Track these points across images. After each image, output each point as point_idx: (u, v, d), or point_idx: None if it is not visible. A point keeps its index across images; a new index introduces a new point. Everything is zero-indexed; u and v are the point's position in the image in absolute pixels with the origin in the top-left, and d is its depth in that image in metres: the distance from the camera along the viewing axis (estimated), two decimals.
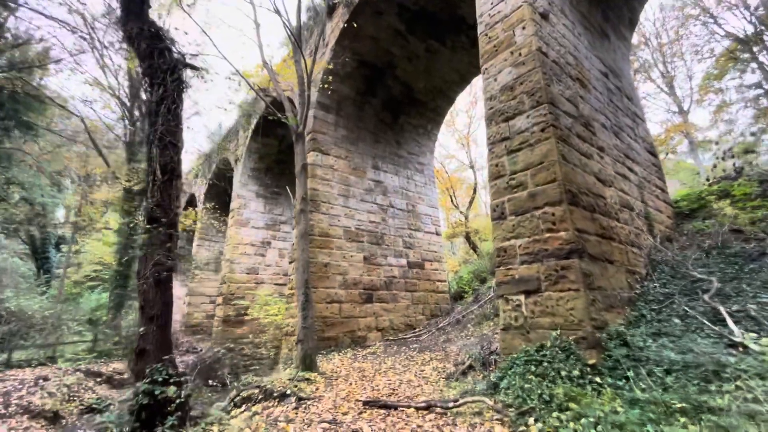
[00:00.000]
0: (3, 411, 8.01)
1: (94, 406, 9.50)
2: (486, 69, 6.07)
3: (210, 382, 10.83)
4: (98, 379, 10.74)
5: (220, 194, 19.65)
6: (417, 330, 10.94)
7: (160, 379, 3.43)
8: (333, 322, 9.61)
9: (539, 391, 3.71)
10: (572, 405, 3.47)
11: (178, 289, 23.95)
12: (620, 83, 8.12)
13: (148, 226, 3.92)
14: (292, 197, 7.66)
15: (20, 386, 8.83)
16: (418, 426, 3.66)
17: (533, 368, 4.14)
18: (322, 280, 9.73)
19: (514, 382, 4.09)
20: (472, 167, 20.59)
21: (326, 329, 9.43)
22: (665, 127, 19.57)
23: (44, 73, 16.05)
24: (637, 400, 3.29)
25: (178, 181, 4.16)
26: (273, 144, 15.94)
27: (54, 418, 8.75)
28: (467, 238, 19.33)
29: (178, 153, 4.26)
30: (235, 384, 8.86)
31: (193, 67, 5.22)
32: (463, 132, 20.97)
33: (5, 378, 9.17)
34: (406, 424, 3.73)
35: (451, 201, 20.61)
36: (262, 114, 14.68)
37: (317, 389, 5.59)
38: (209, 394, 11.56)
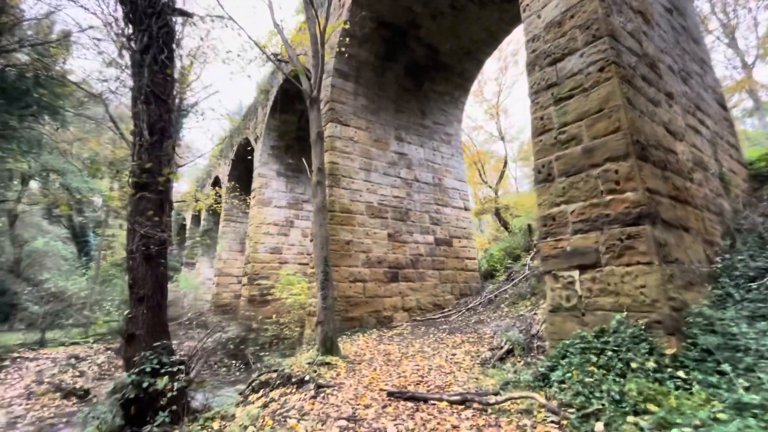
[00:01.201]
0: (36, 389, 8.12)
1: None
2: (527, 5, 5.10)
3: (234, 363, 10.74)
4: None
5: (243, 175, 19.45)
6: (446, 310, 10.31)
7: (149, 369, 2.98)
8: (357, 302, 9.12)
9: (605, 387, 2.98)
10: (651, 406, 2.73)
11: (207, 270, 24.43)
12: (685, 23, 6.86)
13: (133, 195, 3.43)
14: (308, 169, 7.05)
15: (53, 365, 8.96)
16: (454, 427, 3.04)
17: (593, 358, 3.40)
18: (344, 258, 9.20)
19: (569, 375, 3.37)
20: (502, 139, 19.35)
21: (350, 309, 8.96)
22: (725, 84, 17.41)
23: (65, 54, 15.98)
24: (744, 405, 2.50)
25: (169, 143, 3.62)
26: (292, 121, 15.37)
27: (85, 395, 8.85)
28: (497, 214, 18.31)
29: (168, 110, 3.70)
30: (258, 365, 8.62)
31: (184, 13, 4.59)
32: (493, 101, 19.61)
33: (39, 357, 9.34)
34: (438, 424, 3.12)
35: (480, 176, 19.53)
36: (279, 88, 14.08)
37: (338, 375, 5.08)
38: (236, 373, 11.53)
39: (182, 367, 3.20)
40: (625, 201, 3.73)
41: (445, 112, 12.80)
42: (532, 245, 12.33)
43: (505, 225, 17.54)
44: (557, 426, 2.83)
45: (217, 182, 22.37)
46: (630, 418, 2.64)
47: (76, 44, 14.32)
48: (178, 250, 33.29)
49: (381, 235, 10.09)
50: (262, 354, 10.36)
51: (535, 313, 7.46)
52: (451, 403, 3.60)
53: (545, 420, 2.93)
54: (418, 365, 5.45)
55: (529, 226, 13.58)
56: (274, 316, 11.37)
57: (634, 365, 3.13)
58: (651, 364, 3.09)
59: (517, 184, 29.92)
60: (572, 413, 2.87)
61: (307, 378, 4.99)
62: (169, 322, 12.86)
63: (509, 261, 12.22)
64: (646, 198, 3.63)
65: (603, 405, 2.81)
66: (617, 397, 2.86)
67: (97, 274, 18.47)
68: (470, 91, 13.43)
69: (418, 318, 9.76)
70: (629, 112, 3.95)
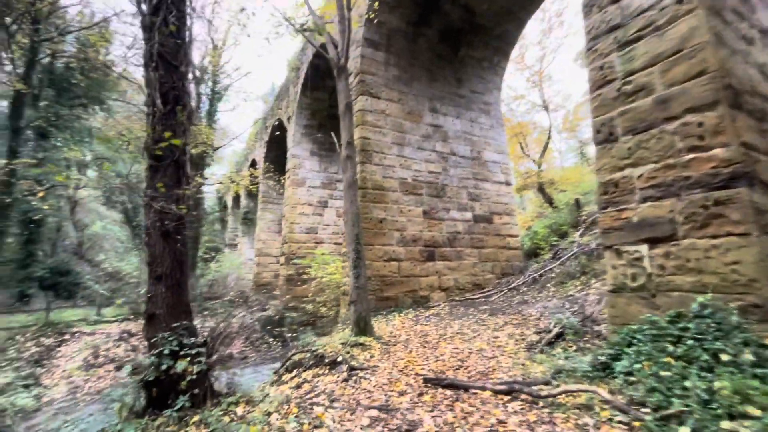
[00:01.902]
0: (93, 361, 8.68)
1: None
2: None
3: (274, 340, 10.96)
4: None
5: (278, 157, 19.56)
6: (486, 290, 9.82)
7: (167, 351, 2.84)
8: (392, 282, 8.85)
9: (689, 384, 2.46)
10: (751, 409, 2.20)
11: (248, 251, 25.26)
12: None
13: (148, 167, 3.26)
14: (338, 144, 6.71)
15: (107, 340, 9.55)
16: (500, 422, 2.66)
17: (669, 347, 2.86)
18: (378, 236, 8.91)
19: (638, 366, 2.85)
20: (545, 108, 17.97)
21: (385, 289, 8.72)
22: None
23: (105, 44, 16.51)
24: None
25: (185, 112, 3.39)
26: (323, 98, 15.06)
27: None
28: (541, 189, 17.22)
29: (182, 77, 3.46)
30: (294, 344, 8.66)
31: None
32: (535, 68, 18.15)
33: (96, 332, 9.98)
34: (482, 417, 2.75)
35: (521, 149, 18.38)
36: (309, 64, 13.75)
37: (372, 357, 4.84)
38: (277, 350, 11.81)
39: (202, 349, 3.04)
40: (711, 160, 3.05)
41: (483, 80, 11.92)
42: (580, 221, 11.42)
43: (550, 201, 16.47)
44: (627, 428, 2.37)
45: (254, 165, 22.74)
46: (725, 424, 2.13)
47: (114, 33, 14.72)
48: (221, 232, 34.83)
49: (416, 212, 9.67)
50: (298, 332, 10.46)
51: (587, 294, 6.81)
52: (496, 392, 3.22)
53: (612, 420, 2.47)
54: (457, 348, 5.10)
55: (577, 200, 12.60)
56: (309, 295, 11.42)
57: (724, 357, 2.57)
58: (748, 357, 2.52)
59: (562, 157, 28.11)
60: (647, 413, 2.38)
61: (339, 359, 4.79)
62: (212, 300, 13.30)
63: (555, 238, 11.41)
64: (740, 154, 2.94)
65: (688, 405, 2.30)
66: (705, 396, 2.34)
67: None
68: (510, 58, 12.39)
69: (457, 298, 9.36)
70: (718, 50, 3.20)
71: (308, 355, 5.33)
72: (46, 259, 17.94)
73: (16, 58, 11.69)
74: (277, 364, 7.12)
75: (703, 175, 3.09)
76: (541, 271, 9.44)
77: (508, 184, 11.77)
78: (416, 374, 4.01)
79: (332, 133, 7.07)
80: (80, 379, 7.74)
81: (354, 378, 4.05)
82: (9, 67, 12.44)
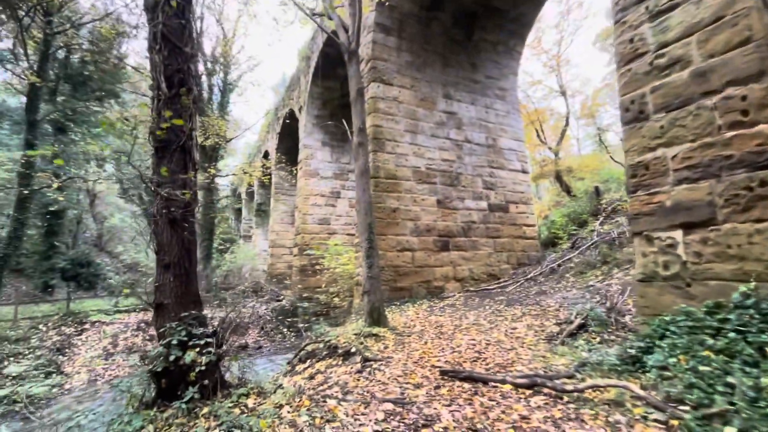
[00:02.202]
0: (111, 350, 8.84)
1: None
2: None
3: (289, 330, 10.99)
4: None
5: (291, 148, 19.51)
6: (502, 280, 9.60)
7: (176, 342, 2.77)
8: (406, 272, 8.72)
9: (732, 380, 2.26)
10: None
11: (262, 242, 25.47)
12: None
13: (155, 152, 3.16)
14: (349, 131, 6.54)
15: (125, 329, 9.72)
16: (522, 417, 2.50)
17: (707, 340, 2.64)
18: (391, 226, 8.76)
19: (673, 360, 2.65)
20: (563, 93, 17.40)
21: (398, 279, 8.60)
22: None
23: (117, 38, 16.59)
24: None
25: (190, 96, 3.27)
26: (335, 87, 14.86)
27: None
28: (558, 177, 16.78)
29: (187, 60, 3.33)
30: (308, 334, 8.64)
31: None
32: (552, 52, 17.54)
33: (114, 321, 10.17)
34: (503, 412, 2.60)
35: (537, 136, 17.88)
36: (320, 53, 13.53)
37: (386, 348, 4.73)
38: (291, 340, 11.86)
39: (211, 339, 2.96)
40: (756, 136, 2.78)
41: (498, 65, 11.53)
42: (600, 209, 11.05)
43: (567, 189, 16.03)
44: (664, 427, 2.19)
45: (266, 157, 22.79)
46: None
47: (127, 24, 14.76)
48: (236, 224, 35.24)
49: (429, 201, 9.47)
50: (311, 323, 10.46)
51: (609, 284, 6.55)
52: (517, 386, 3.06)
53: (646, 417, 2.29)
54: (473, 339, 4.94)
55: (597, 188, 12.19)
56: (323, 285, 11.39)
57: None
58: None
59: (579, 145, 27.35)
60: (686, 411, 2.20)
61: (353, 350, 4.70)
62: (227, 290, 13.38)
63: (573, 227, 11.07)
64: None
65: (732, 404, 2.11)
66: (752, 393, 2.13)
67: None
68: (527, 42, 11.96)
69: (472, 288, 9.18)
70: (764, 16, 2.90)
71: (321, 345, 5.26)
72: (67, 251, 18.42)
73: (31, 51, 11.81)
74: (291, 355, 7.12)
75: (746, 153, 2.83)
76: (560, 261, 9.17)
77: (524, 172, 11.44)
78: (432, 366, 3.88)
79: (344, 121, 6.91)
80: (100, 368, 7.88)
81: (368, 369, 3.94)
82: (23, 62, 12.60)
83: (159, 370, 2.68)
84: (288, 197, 20.75)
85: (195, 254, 3.30)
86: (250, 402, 2.75)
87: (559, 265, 9.01)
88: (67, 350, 8.17)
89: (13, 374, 6.68)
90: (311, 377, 4.48)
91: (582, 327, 4.70)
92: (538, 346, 4.50)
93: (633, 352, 3.05)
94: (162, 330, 2.90)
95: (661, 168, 3.35)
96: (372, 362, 4.20)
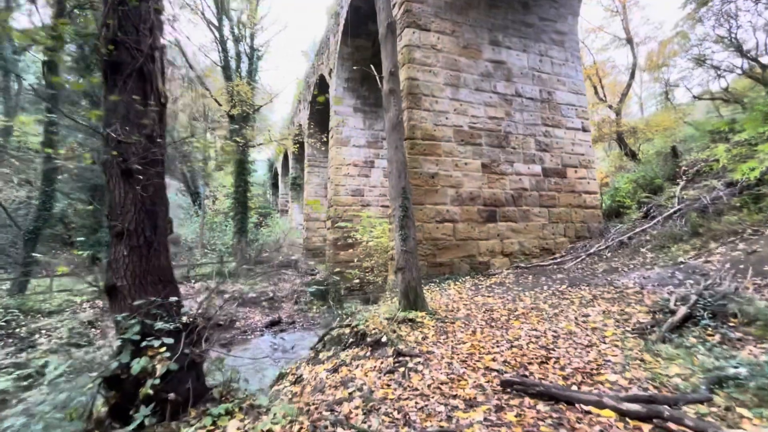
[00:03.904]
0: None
1: (219, 323, 10.00)
2: None
3: (322, 305, 10.49)
4: (225, 296, 11.35)
5: (323, 119, 18.68)
6: (558, 255, 8.35)
7: (131, 338, 2.01)
8: (446, 245, 7.71)
9: None
10: None
11: (298, 216, 25.31)
12: None
13: (104, 78, 2.35)
14: (378, 76, 5.47)
15: None
16: None
17: None
18: (429, 194, 7.71)
19: None
20: (629, 41, 14.98)
21: (438, 253, 7.62)
22: None
23: None
24: None
25: (154, 4, 2.39)
26: (366, 46, 13.60)
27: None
28: (620, 139, 14.73)
29: None
30: (338, 312, 7.97)
31: None
32: None
33: None
34: None
35: (596, 93, 15.70)
36: (349, 6, 12.27)
37: (424, 338, 3.83)
38: (325, 315, 11.40)
39: (170, 340, 2.16)
40: None
41: (554, 3, 9.76)
42: (679, 172, 9.29)
43: (632, 153, 14.01)
44: None
45: (300, 129, 22.19)
46: None
47: None
48: (273, 198, 35.55)
49: (473, 165, 8.27)
50: (343, 299, 9.84)
51: (707, 261, 5.19)
52: (622, 413, 2.04)
53: None
54: (535, 330, 3.92)
55: (674, 148, 10.32)
56: (355, 260, 10.67)
57: None
58: None
59: (642, 104, 24.28)
60: None
61: (384, 339, 3.85)
62: (259, 265, 12.94)
63: (644, 194, 9.43)
64: None
65: None
66: None
67: (202, 221, 20.11)
68: None
69: (522, 265, 8.02)
70: None
71: (348, 331, 4.47)
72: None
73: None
74: (322, 332, 6.50)
75: None
76: (630, 233, 7.74)
77: (585, 130, 9.82)
78: (486, 368, 2.93)
79: (371, 66, 5.82)
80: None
81: (401, 369, 3.07)
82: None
83: (109, 377, 1.96)
84: (321, 169, 20.12)
85: (163, 219, 2.51)
86: (233, 427, 1.98)
87: (630, 238, 7.60)
88: (99, 323, 8.08)
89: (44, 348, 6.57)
90: (335, 369, 3.72)
91: (688, 318, 3.52)
92: (627, 342, 3.40)
93: None
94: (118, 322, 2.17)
95: None
96: (407, 358, 3.33)
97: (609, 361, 3.01)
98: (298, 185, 24.94)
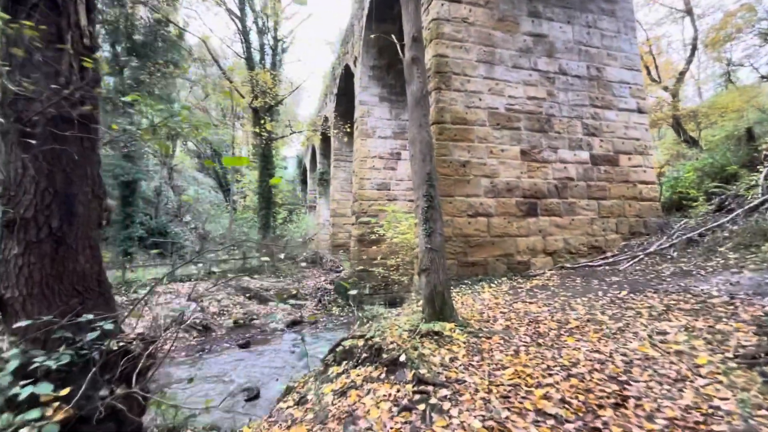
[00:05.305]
0: (161, 322, 8.45)
1: (239, 321, 9.64)
2: None
3: (347, 303, 9.90)
4: (247, 295, 11.01)
5: (349, 110, 18.13)
6: (610, 254, 7.26)
7: (10, 375, 1.39)
8: (479, 243, 6.85)
9: None
10: None
11: (325, 212, 25.00)
12: None
13: (5, 8, 1.76)
14: (398, 45, 4.71)
15: (178, 299, 9.36)
16: None
17: None
18: (459, 185, 6.87)
19: None
20: (688, 12, 13.28)
21: (469, 252, 6.77)
22: None
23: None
24: None
25: None
26: (392, 31, 12.80)
27: (205, 330, 9.04)
28: (678, 124, 13.10)
29: None
30: (359, 315, 7.32)
31: None
32: None
33: (167, 291, 9.89)
34: None
35: (648, 73, 14.08)
36: None
37: (452, 360, 3.05)
38: (349, 315, 10.81)
39: (49, 387, 1.49)
40: None
41: None
42: (758, 157, 7.90)
43: (693, 139, 12.40)
44: None
45: (326, 122, 21.81)
46: None
47: None
48: (303, 194, 35.56)
49: (511, 152, 7.32)
50: (364, 299, 9.17)
51: None
52: None
53: None
54: (598, 351, 3.04)
55: (750, 129, 8.85)
56: (379, 257, 9.98)
57: None
58: None
59: (699, 86, 21.90)
60: None
61: (402, 359, 3.11)
62: (288, 261, 12.49)
63: (713, 184, 8.10)
64: None
65: None
66: None
67: (232, 217, 20.16)
68: None
69: (568, 265, 7.02)
70: None
71: (361, 343, 3.77)
72: (150, 221, 19.46)
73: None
74: (343, 334, 5.89)
75: None
76: (701, 230, 6.55)
77: (641, 112, 8.57)
78: (538, 411, 2.13)
79: (392, 36, 5.07)
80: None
81: (422, 405, 2.32)
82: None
83: None
84: (347, 164, 19.60)
85: (86, 203, 1.87)
86: None
87: (701, 235, 6.42)
88: None
89: None
90: (343, 392, 3.05)
91: None
92: (734, 375, 2.47)
93: None
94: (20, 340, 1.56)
95: None
96: (429, 387, 2.58)
97: (717, 407, 2.12)
98: (325, 180, 24.64)
